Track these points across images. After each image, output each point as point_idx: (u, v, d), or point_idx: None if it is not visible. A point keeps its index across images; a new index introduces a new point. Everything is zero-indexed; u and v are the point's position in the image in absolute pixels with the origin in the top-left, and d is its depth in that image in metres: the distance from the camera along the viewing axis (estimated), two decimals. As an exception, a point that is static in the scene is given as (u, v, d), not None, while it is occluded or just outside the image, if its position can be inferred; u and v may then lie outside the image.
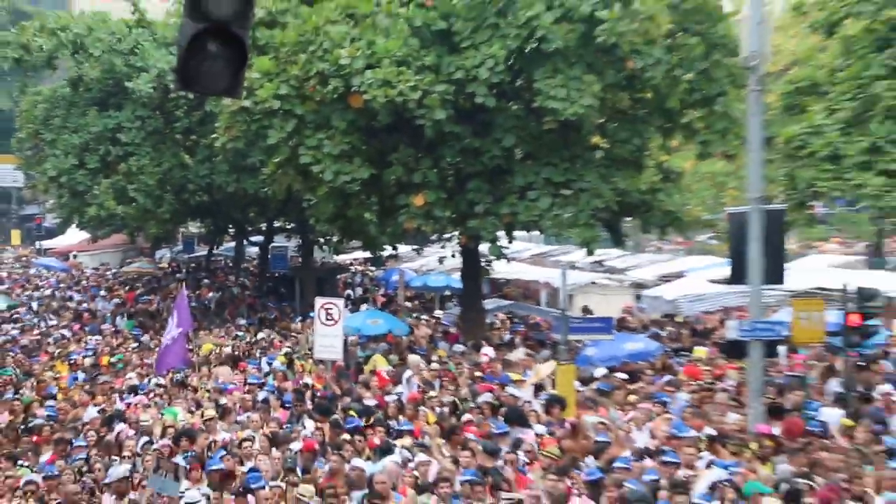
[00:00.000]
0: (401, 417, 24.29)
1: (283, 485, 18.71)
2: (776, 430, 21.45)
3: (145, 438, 23.30)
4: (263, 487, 18.66)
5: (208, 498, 18.20)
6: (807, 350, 28.70)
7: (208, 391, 29.55)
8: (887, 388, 25.34)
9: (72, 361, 36.43)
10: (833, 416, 23.10)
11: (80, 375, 33.90)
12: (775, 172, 34.85)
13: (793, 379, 27.40)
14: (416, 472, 19.19)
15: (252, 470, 19.85)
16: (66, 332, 45.15)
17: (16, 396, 29.82)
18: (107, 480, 19.99)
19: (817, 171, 32.59)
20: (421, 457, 20.10)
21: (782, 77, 41.32)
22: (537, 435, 21.88)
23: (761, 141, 24.70)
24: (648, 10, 31.60)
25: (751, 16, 24.23)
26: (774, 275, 24.21)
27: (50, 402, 28.63)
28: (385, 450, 20.82)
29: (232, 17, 8.55)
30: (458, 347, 34.81)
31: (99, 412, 26.65)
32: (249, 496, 18.31)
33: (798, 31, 52.19)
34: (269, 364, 33.50)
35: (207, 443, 22.49)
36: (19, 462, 21.93)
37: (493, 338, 37.64)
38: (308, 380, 29.82)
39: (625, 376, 28.36)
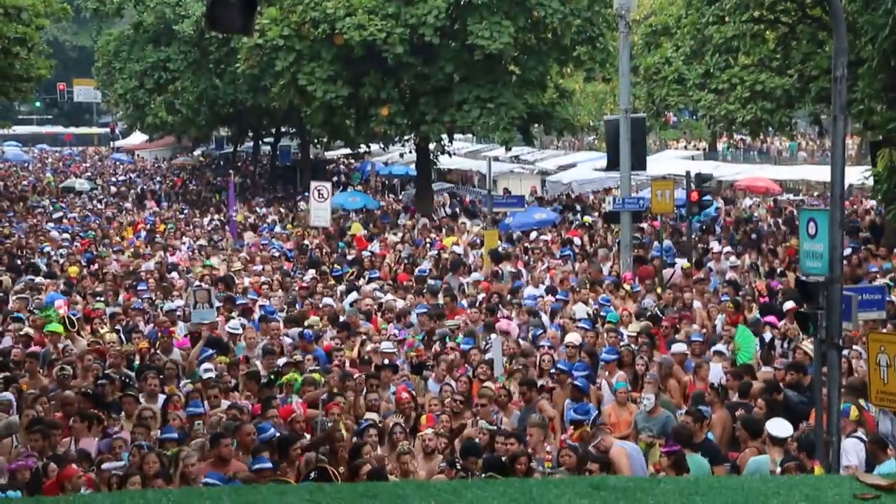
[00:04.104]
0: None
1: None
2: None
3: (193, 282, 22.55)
4: (274, 315, 18.48)
5: (243, 326, 17.71)
6: (661, 218, 28.70)
7: (235, 249, 29.04)
8: (714, 244, 25.57)
9: (136, 227, 35.47)
10: (680, 261, 23.32)
11: (143, 235, 33.02)
12: (639, 91, 34.77)
13: (651, 237, 27.51)
14: (384, 307, 19.12)
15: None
16: (130, 207, 44.58)
17: (96, 254, 29.00)
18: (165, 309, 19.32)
19: (668, 90, 32.56)
20: (388, 297, 20.09)
21: (643, 23, 40.98)
22: (475, 281, 21.78)
23: (628, 68, 24.70)
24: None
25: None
26: (639, 164, 24.28)
27: (119, 257, 27.89)
28: (349, 290, 20.89)
29: (246, -22, 8.33)
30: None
31: (156, 265, 25.87)
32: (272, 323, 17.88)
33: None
34: (271, 230, 33.62)
35: (240, 287, 21.93)
36: (98, 298, 21.14)
37: (439, 210, 37.53)
38: (306, 241, 29.51)
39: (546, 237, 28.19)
